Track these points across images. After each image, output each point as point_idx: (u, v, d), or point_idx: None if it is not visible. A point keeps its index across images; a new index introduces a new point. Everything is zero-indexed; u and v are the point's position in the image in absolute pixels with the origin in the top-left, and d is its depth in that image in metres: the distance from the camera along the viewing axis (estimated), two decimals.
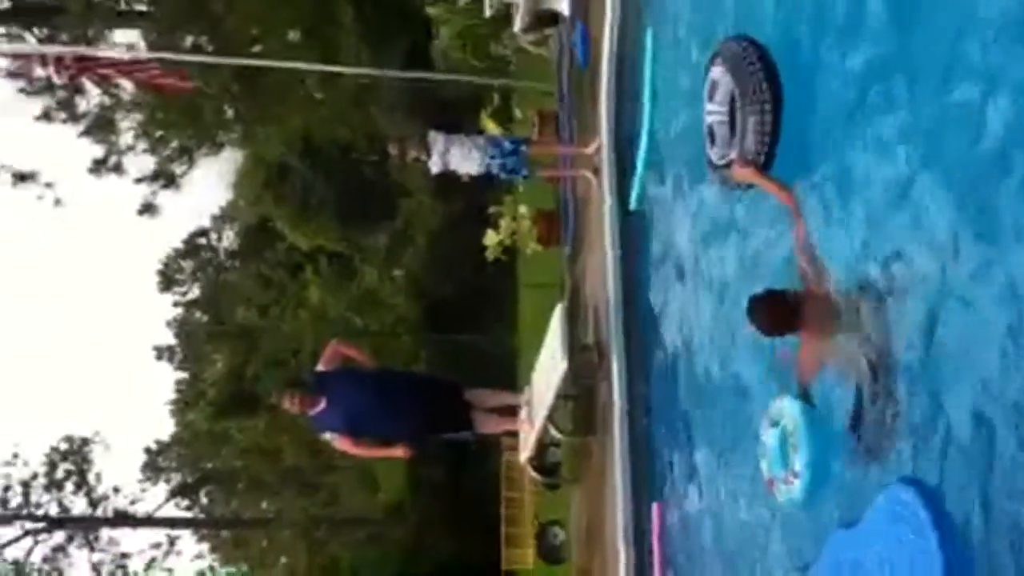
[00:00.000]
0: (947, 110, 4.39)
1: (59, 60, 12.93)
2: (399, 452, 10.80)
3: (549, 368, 10.27)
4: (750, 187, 6.10)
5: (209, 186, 29.31)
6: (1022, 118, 3.95)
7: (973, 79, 4.24)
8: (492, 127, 13.98)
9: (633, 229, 9.15)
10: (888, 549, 4.27)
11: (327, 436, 10.48)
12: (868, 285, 4.77)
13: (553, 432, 10.81)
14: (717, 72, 6.26)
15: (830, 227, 5.23)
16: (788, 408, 5.21)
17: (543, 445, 11.34)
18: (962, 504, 4.01)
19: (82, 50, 15.43)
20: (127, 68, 13.51)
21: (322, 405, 9.97)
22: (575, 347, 10.04)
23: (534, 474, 11.97)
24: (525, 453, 11.25)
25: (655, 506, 7.76)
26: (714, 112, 6.34)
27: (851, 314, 4.83)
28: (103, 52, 16.56)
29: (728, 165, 6.15)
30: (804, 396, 5.18)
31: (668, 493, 7.74)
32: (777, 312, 5.22)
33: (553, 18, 12.74)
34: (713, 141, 6.41)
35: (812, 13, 5.80)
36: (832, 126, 5.40)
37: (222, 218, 32.61)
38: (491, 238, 13.64)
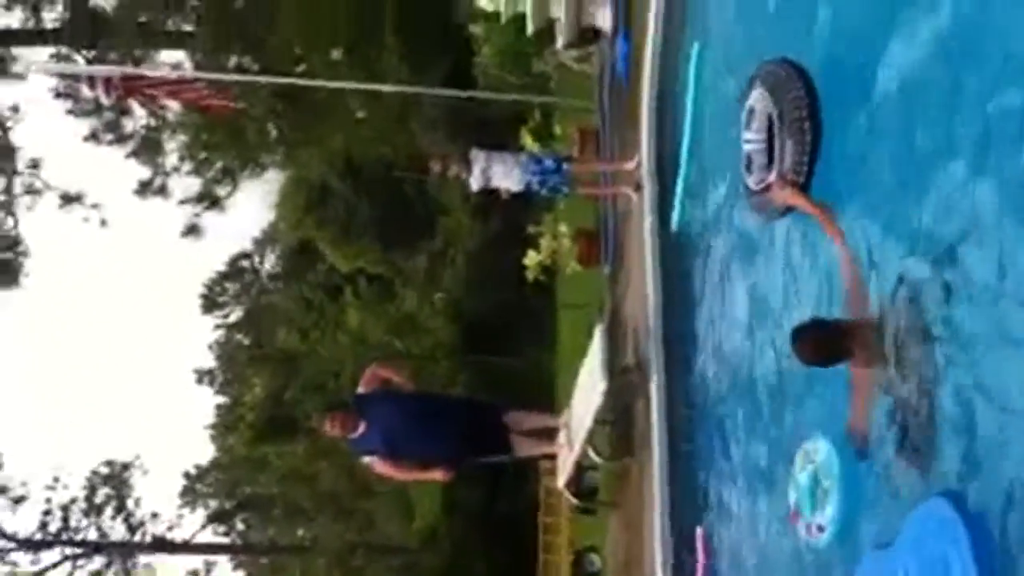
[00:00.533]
0: (996, 125, 4.22)
1: (107, 81, 13.01)
2: (438, 475, 10.74)
3: (589, 389, 10.23)
4: (789, 211, 6.02)
5: (252, 207, 29.50)
6: None
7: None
8: (533, 144, 13.91)
9: (674, 248, 9.05)
10: (923, 565, 4.19)
11: (367, 459, 10.48)
12: (916, 309, 4.61)
13: (592, 455, 10.69)
14: (755, 97, 6.25)
15: (874, 249, 5.09)
16: (824, 454, 5.15)
17: (581, 469, 11.26)
18: (999, 525, 3.90)
19: (130, 70, 15.56)
20: (174, 88, 13.59)
21: (362, 428, 9.93)
22: (615, 368, 9.98)
23: (571, 498, 11.84)
24: (563, 477, 11.17)
25: (699, 530, 7.62)
26: (752, 140, 6.33)
27: (900, 341, 4.68)
28: (150, 72, 16.71)
29: (766, 189, 6.10)
30: (852, 433, 5.04)
31: (708, 518, 7.61)
32: (822, 343, 5.06)
33: (595, 35, 12.72)
34: (750, 169, 6.38)
35: (852, 36, 5.70)
36: (874, 148, 5.29)
37: (264, 240, 32.79)
38: (532, 258, 13.57)
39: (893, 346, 4.71)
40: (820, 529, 5.13)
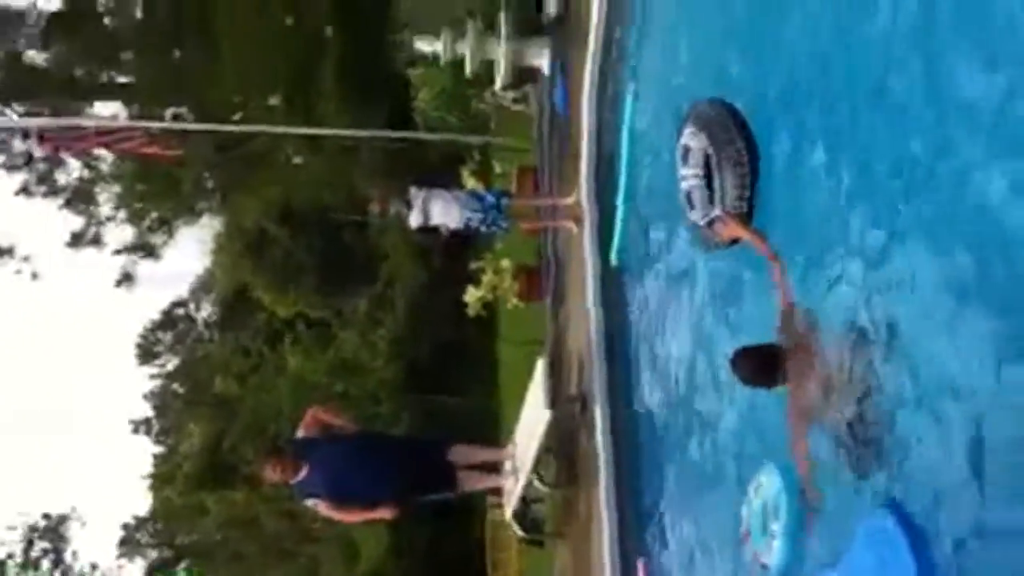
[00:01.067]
0: (931, 162, 4.36)
1: (41, 134, 12.91)
2: (384, 513, 10.58)
3: (533, 420, 10.26)
4: (732, 243, 6.15)
5: (188, 254, 29.40)
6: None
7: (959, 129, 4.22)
8: (473, 184, 14.04)
9: (615, 280, 9.14)
10: (863, 571, 4.29)
11: (310, 503, 10.32)
12: (852, 334, 4.73)
13: (537, 485, 10.74)
14: (688, 135, 6.39)
15: (812, 278, 5.23)
16: (775, 491, 5.22)
17: (527, 502, 11.27)
18: (940, 533, 4.02)
19: (67, 121, 15.47)
20: (112, 138, 13.46)
21: (304, 471, 9.85)
22: (558, 399, 10.04)
23: (518, 531, 11.86)
24: (509, 508, 11.18)
25: (639, 564, 7.63)
26: (689, 177, 6.45)
27: (837, 364, 4.80)
28: (87, 122, 16.61)
29: (711, 223, 6.23)
30: (794, 456, 5.12)
31: (654, 547, 7.61)
32: (760, 362, 5.23)
33: (533, 75, 12.91)
34: (692, 205, 6.49)
35: (784, 73, 5.87)
36: (809, 177, 5.43)
37: (200, 288, 32.59)
38: (472, 294, 13.61)
39: (834, 367, 4.81)
40: (764, 568, 5.22)
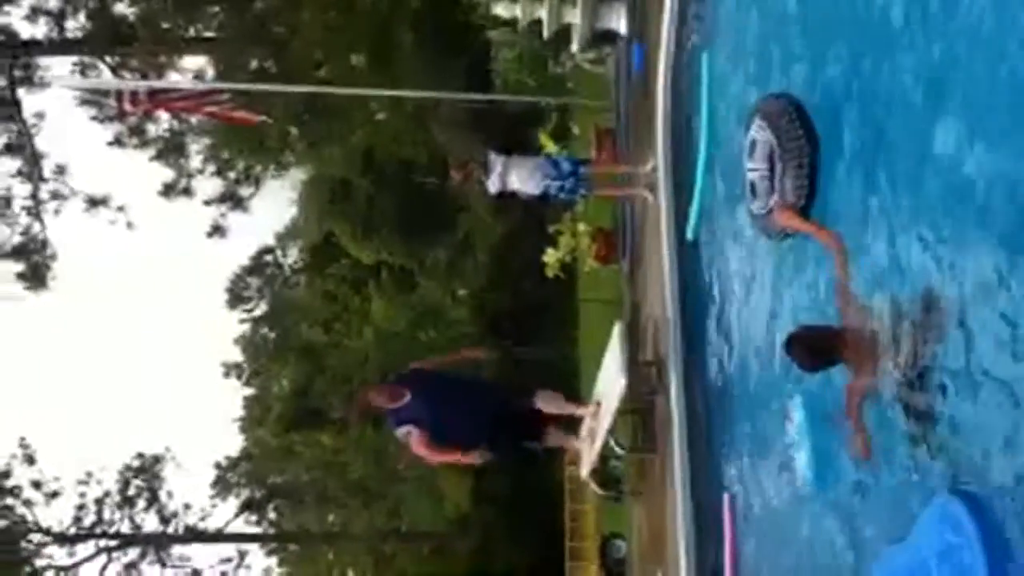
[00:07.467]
0: (984, 159, 4.48)
1: (133, 94, 13.31)
2: (472, 459, 10.57)
3: (610, 383, 10.41)
4: (789, 234, 6.37)
5: (275, 203, 29.79)
6: None
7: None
8: (550, 144, 14.16)
9: (690, 250, 9.24)
10: (935, 562, 4.39)
11: (403, 431, 10.24)
12: (906, 317, 4.88)
13: (614, 446, 10.95)
14: (756, 129, 6.59)
15: (869, 264, 5.39)
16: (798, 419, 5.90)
17: (604, 459, 11.48)
18: (1008, 517, 4.10)
19: (156, 84, 15.88)
20: (199, 102, 13.84)
21: (407, 399, 10.06)
22: (634, 363, 10.18)
23: (596, 488, 12.09)
24: (587, 467, 11.40)
25: (726, 496, 7.74)
26: (755, 169, 6.66)
27: (891, 346, 4.95)
28: (175, 85, 17.01)
29: (769, 213, 6.44)
30: (852, 440, 5.38)
31: (730, 492, 7.78)
32: (813, 346, 5.39)
33: (611, 37, 12.91)
34: (755, 195, 6.72)
35: (847, 67, 6.00)
36: (866, 170, 5.59)
37: (287, 235, 33.09)
38: (550, 255, 13.81)
39: (891, 349, 4.94)
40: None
